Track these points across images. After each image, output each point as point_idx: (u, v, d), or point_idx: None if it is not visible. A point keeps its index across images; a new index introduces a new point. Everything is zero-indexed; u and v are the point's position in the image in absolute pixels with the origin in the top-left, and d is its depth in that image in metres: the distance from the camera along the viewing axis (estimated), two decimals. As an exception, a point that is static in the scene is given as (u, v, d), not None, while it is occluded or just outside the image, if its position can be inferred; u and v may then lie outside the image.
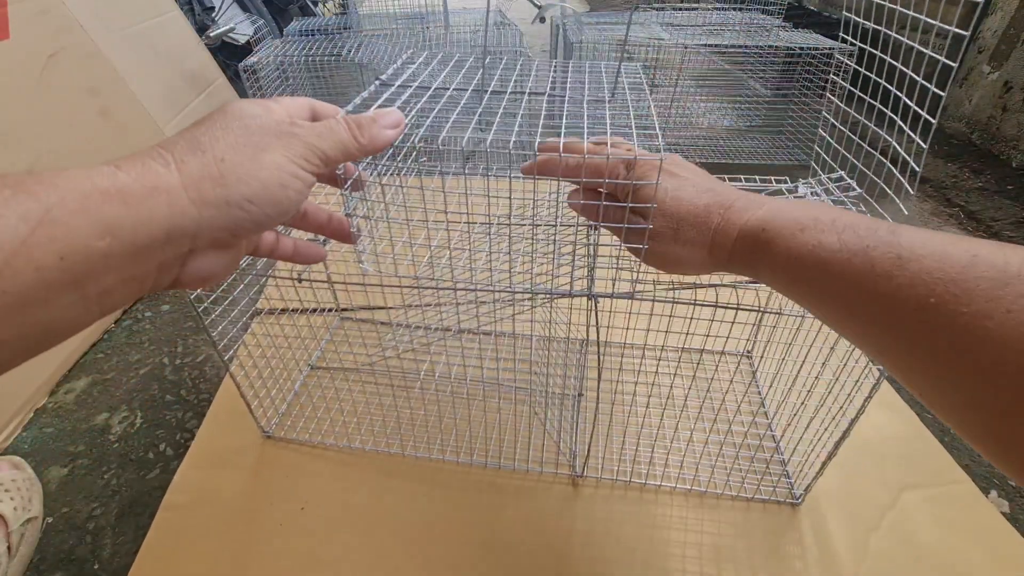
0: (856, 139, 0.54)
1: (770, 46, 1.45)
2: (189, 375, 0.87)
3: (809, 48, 1.39)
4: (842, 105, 0.57)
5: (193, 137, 0.25)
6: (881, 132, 0.48)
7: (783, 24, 1.62)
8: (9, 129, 0.85)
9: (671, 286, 0.49)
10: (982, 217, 1.29)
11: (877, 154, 0.49)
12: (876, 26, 0.48)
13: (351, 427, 0.74)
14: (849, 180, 0.55)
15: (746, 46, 1.46)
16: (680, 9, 1.77)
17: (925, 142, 0.42)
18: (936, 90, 0.41)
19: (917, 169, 0.44)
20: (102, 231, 0.20)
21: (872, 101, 0.49)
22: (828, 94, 0.63)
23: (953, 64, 0.39)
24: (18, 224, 0.19)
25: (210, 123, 0.25)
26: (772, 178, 0.64)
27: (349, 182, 0.35)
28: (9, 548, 0.60)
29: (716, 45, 1.47)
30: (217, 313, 0.63)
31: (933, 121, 0.43)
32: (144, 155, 0.23)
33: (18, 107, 0.87)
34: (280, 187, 0.26)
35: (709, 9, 1.74)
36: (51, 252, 0.19)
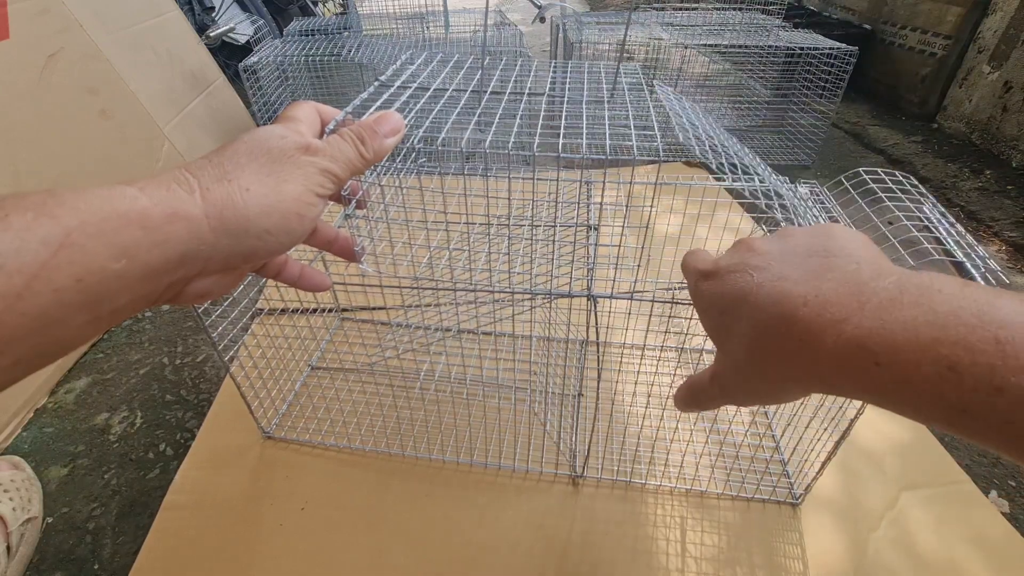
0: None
1: (770, 46, 1.45)
2: (189, 375, 0.87)
3: (809, 48, 1.39)
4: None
5: (219, 163, 0.24)
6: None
7: (783, 24, 1.62)
8: (9, 129, 0.85)
9: (670, 286, 0.49)
10: (982, 217, 1.29)
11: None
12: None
13: (351, 427, 0.74)
14: (847, 184, 0.55)
15: (746, 46, 1.46)
16: (680, 9, 1.77)
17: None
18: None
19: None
20: (118, 254, 0.21)
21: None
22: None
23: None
24: (39, 248, 0.19)
25: (236, 149, 0.25)
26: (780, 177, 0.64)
27: (353, 202, 0.35)
28: (8, 548, 0.60)
29: (716, 45, 1.47)
30: (217, 313, 0.63)
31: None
32: (169, 178, 0.23)
33: (18, 107, 0.88)
34: (298, 217, 0.26)
35: (709, 9, 1.74)
36: (69, 275, 0.19)
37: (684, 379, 0.33)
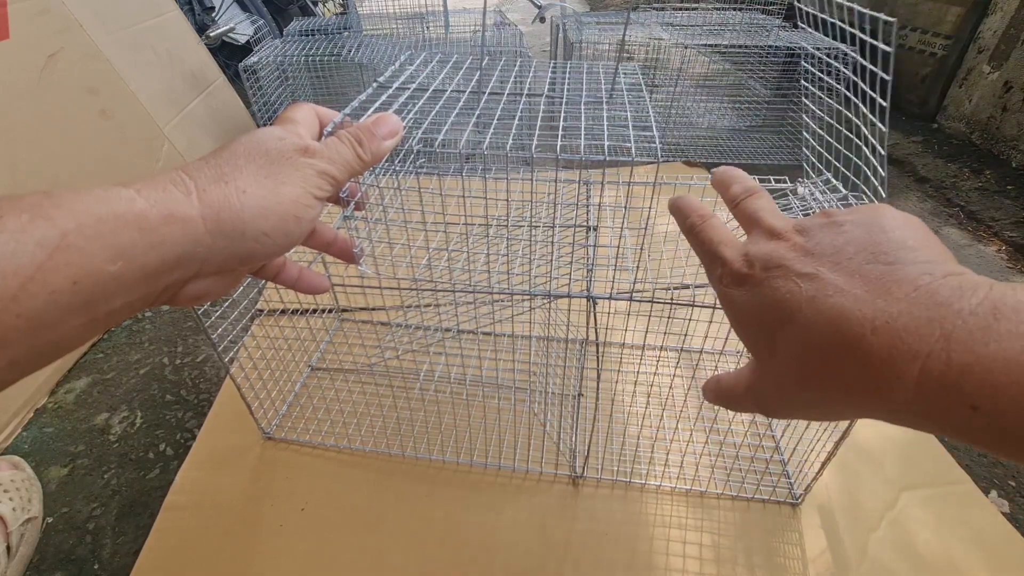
0: (833, 141, 0.53)
1: (770, 46, 1.45)
2: (189, 375, 0.87)
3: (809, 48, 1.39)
4: (813, 108, 0.57)
5: (217, 165, 0.24)
6: (860, 131, 0.48)
7: (783, 24, 1.62)
8: (9, 129, 0.85)
9: (670, 287, 0.49)
10: (982, 217, 1.29)
11: (858, 157, 0.49)
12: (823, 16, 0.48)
13: (351, 428, 0.74)
14: (835, 182, 0.55)
15: (746, 46, 1.46)
16: (680, 9, 1.77)
17: (885, 125, 0.42)
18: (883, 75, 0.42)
19: (882, 173, 0.44)
20: (115, 256, 0.21)
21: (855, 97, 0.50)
22: (804, 98, 0.63)
23: (888, 48, 0.39)
24: (35, 250, 0.19)
25: (233, 151, 0.25)
26: (772, 178, 0.64)
27: (352, 203, 0.35)
28: (8, 548, 0.60)
29: (716, 45, 1.47)
30: (217, 314, 0.63)
31: (885, 103, 0.43)
32: (166, 180, 0.23)
33: (18, 107, 0.88)
34: (295, 219, 0.26)
35: (709, 9, 1.74)
36: (66, 277, 0.19)
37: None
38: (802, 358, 0.22)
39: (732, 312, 0.26)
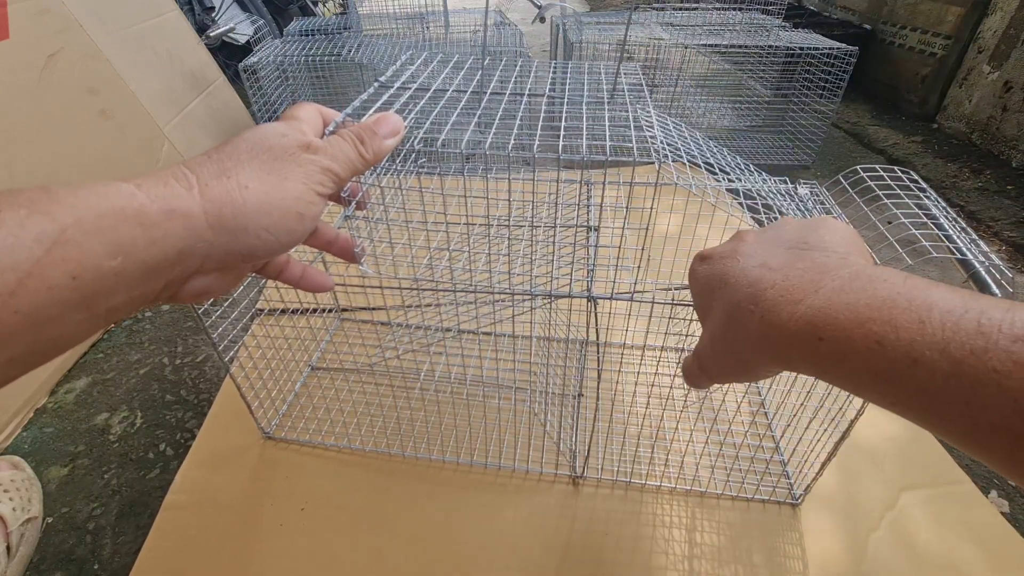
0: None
1: (770, 46, 1.45)
2: (189, 375, 0.87)
3: (809, 48, 1.39)
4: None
5: (219, 160, 0.24)
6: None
7: (783, 24, 1.62)
8: (9, 128, 0.85)
9: (671, 287, 0.49)
10: (982, 217, 1.29)
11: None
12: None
13: (351, 428, 0.74)
14: (844, 183, 0.55)
15: (746, 46, 1.46)
16: (680, 9, 1.77)
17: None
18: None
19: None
20: (115, 251, 0.20)
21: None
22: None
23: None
24: (33, 245, 0.19)
25: (236, 146, 0.25)
26: (772, 178, 0.64)
27: (353, 203, 0.35)
28: (8, 548, 0.60)
29: (716, 45, 1.47)
30: (217, 314, 0.63)
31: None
32: (168, 174, 0.23)
33: (18, 107, 0.87)
34: (298, 216, 0.26)
35: (709, 9, 1.74)
36: (64, 272, 0.19)
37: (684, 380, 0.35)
38: (727, 311, 0.28)
39: (692, 283, 0.33)
